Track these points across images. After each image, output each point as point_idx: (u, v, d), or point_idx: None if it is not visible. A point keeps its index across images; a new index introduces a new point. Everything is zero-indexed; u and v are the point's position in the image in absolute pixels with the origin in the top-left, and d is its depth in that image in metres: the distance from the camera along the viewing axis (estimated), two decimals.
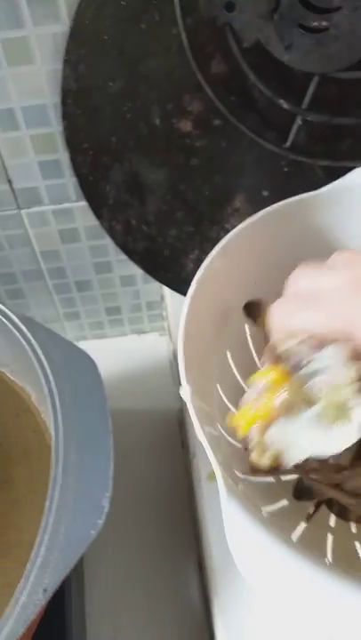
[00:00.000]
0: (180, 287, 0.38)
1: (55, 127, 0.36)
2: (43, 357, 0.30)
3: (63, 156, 0.37)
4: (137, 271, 0.47)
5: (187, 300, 0.26)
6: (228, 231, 0.29)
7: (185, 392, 0.24)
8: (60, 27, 0.31)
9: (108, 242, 0.44)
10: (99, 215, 0.36)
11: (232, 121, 0.30)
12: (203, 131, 0.31)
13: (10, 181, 0.38)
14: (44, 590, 0.23)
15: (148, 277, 0.46)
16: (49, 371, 0.30)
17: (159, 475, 0.44)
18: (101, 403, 0.29)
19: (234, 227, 0.28)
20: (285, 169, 0.32)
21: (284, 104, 0.29)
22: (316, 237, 0.30)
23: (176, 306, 0.41)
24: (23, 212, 0.41)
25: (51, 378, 0.29)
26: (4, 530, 0.33)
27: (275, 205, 0.28)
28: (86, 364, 0.31)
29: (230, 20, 0.27)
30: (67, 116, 0.32)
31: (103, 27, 0.29)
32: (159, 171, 0.33)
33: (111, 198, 0.35)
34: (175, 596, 0.38)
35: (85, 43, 0.30)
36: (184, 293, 0.38)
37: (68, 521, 0.24)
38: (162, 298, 0.50)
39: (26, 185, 0.39)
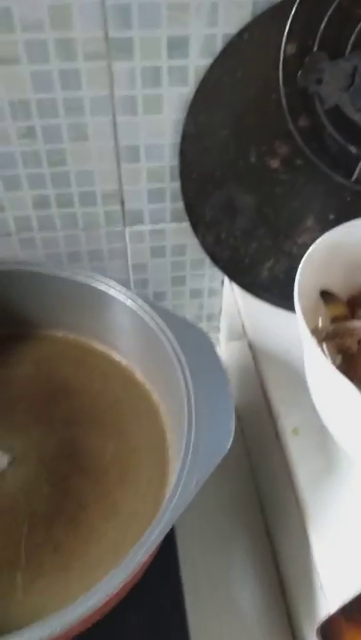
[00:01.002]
0: (255, 291, 0.48)
1: (167, 162, 0.46)
2: (170, 334, 0.39)
3: (167, 186, 0.48)
4: (205, 285, 0.57)
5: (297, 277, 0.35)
6: (299, 246, 0.39)
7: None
8: (188, 88, 0.42)
9: (187, 258, 0.54)
10: (195, 229, 0.46)
11: (312, 160, 0.40)
12: (287, 167, 0.42)
13: (122, 202, 0.48)
14: (196, 482, 0.31)
15: (213, 291, 0.56)
16: (177, 345, 0.39)
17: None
18: (218, 364, 0.37)
19: (304, 242, 0.38)
20: (348, 198, 0.42)
21: (353, 149, 0.39)
22: None
23: (248, 309, 0.51)
24: (127, 229, 0.51)
25: (179, 351, 0.38)
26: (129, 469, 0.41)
27: (346, 224, 0.39)
28: (201, 337, 0.40)
29: (318, 90, 0.38)
30: (183, 153, 0.43)
31: (221, 90, 0.40)
32: (249, 196, 0.44)
33: (208, 216, 0.45)
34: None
35: (206, 100, 0.41)
36: (258, 296, 0.48)
37: (206, 437, 0.33)
38: (220, 310, 0.59)
39: (134, 207, 0.49)
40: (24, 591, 0.34)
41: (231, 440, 0.33)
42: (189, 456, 0.32)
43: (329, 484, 0.38)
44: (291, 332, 0.47)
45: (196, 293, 0.57)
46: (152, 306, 0.41)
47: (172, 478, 0.32)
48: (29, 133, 0.42)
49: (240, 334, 0.51)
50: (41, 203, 0.47)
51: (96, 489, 0.39)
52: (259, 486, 0.51)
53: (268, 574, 0.47)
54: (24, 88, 0.40)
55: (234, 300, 0.52)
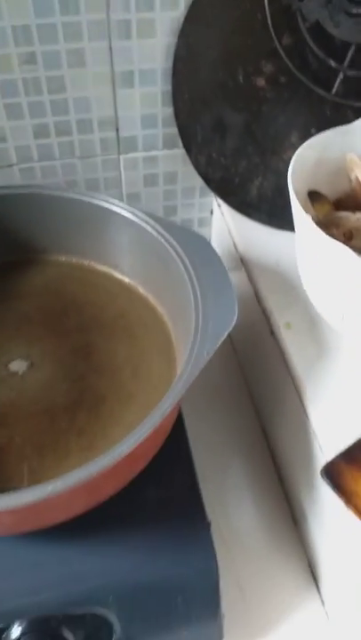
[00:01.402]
0: (245, 210, 0.52)
1: (159, 87, 0.49)
2: (171, 239, 0.43)
3: (160, 111, 0.51)
4: (194, 215, 0.61)
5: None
6: (285, 162, 0.43)
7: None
8: (179, 12, 0.45)
9: (178, 187, 0.58)
10: (188, 150, 0.49)
11: (296, 77, 0.44)
12: (273, 85, 0.45)
13: (117, 129, 0.51)
14: (206, 353, 0.35)
15: (202, 221, 0.60)
16: (178, 247, 0.42)
17: None
18: (217, 259, 0.41)
19: (290, 158, 0.42)
20: (328, 112, 0.46)
21: (332, 63, 0.43)
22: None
23: (239, 229, 0.54)
24: (122, 156, 0.54)
25: (181, 252, 0.42)
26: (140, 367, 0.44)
27: (328, 131, 0.42)
28: (200, 240, 0.43)
29: (300, 7, 0.41)
30: (175, 75, 0.46)
31: (210, 13, 0.43)
32: (238, 115, 0.47)
33: (199, 136, 0.48)
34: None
35: (195, 22, 0.44)
36: (248, 215, 0.52)
37: (212, 312, 0.37)
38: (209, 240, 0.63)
39: (128, 134, 0.52)
40: (55, 471, 0.38)
41: (235, 317, 0.37)
42: (199, 332, 0.36)
43: (322, 365, 0.42)
44: (280, 247, 0.51)
45: (186, 224, 0.61)
46: (151, 216, 0.44)
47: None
48: (31, 59, 0.45)
49: (231, 261, 0.55)
50: (41, 132, 0.50)
51: (111, 384, 0.43)
52: (254, 391, 0.56)
53: (265, 463, 0.52)
54: (26, 13, 0.42)
55: (224, 225, 0.56)
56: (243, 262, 0.51)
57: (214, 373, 0.60)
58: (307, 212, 0.40)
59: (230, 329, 0.37)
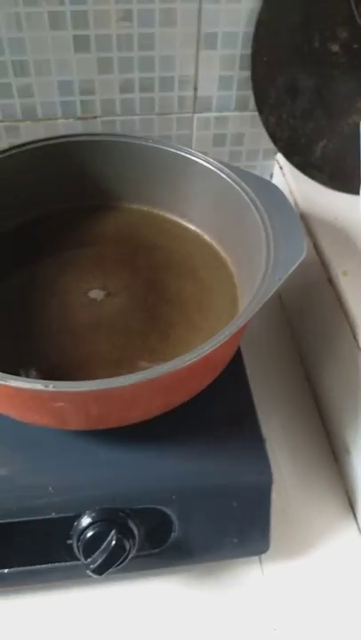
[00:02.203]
0: (308, 170, 0.56)
1: (239, 50, 0.53)
2: (246, 187, 0.47)
3: (236, 74, 0.55)
4: None
5: None
6: (350, 126, 0.46)
7: None
8: None
9: (243, 149, 0.61)
10: (260, 110, 0.53)
11: None
12: (345, 51, 0.49)
13: (195, 89, 0.55)
14: (279, 278, 0.39)
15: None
16: (253, 195, 0.46)
17: None
18: (289, 206, 0.45)
19: (355, 122, 0.45)
20: None
21: None
22: None
23: (300, 188, 0.58)
24: (196, 115, 0.58)
25: (257, 202, 0.46)
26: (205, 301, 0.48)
27: None
28: (272, 187, 0.47)
29: None
30: (256, 38, 0.50)
31: None
32: (310, 79, 0.51)
33: (272, 98, 0.52)
34: None
35: None
36: (310, 176, 0.56)
37: (283, 247, 0.41)
38: None
39: (205, 93, 0.56)
40: None
41: (305, 251, 0.40)
42: (271, 261, 0.40)
43: None
44: (339, 206, 0.55)
45: None
46: (225, 164, 0.48)
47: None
48: (127, 16, 0.49)
49: None
50: (126, 87, 0.54)
51: (180, 314, 0.47)
52: (301, 340, 0.60)
53: (307, 407, 0.56)
54: None
55: (285, 186, 0.60)
56: (302, 217, 0.54)
57: (262, 325, 0.64)
58: None
59: (302, 259, 0.41)
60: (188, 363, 0.34)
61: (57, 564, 0.41)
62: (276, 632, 0.44)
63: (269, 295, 0.39)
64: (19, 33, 0.49)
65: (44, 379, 0.34)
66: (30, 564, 0.41)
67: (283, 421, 0.56)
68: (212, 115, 0.57)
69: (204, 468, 0.42)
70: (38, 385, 0.32)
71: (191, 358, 0.33)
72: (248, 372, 0.52)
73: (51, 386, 0.32)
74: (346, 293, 0.47)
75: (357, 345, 0.44)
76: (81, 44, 0.51)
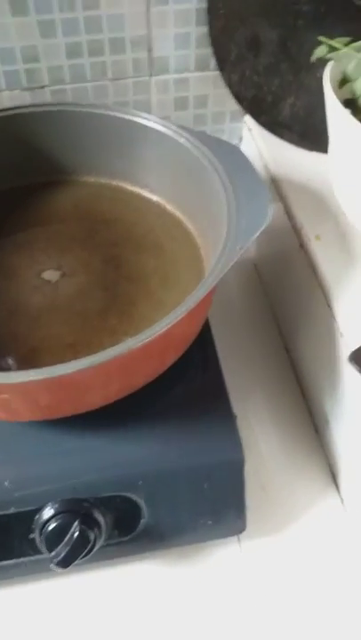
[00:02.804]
0: (277, 129, 0.53)
1: (194, 4, 0.49)
2: (206, 150, 0.44)
3: (193, 30, 0.51)
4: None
5: None
6: (318, 79, 0.43)
7: None
8: None
9: (208, 111, 0.58)
10: (221, 68, 0.50)
11: None
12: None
13: (150, 50, 0.52)
14: (240, 247, 0.36)
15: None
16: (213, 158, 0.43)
17: None
18: (252, 168, 0.42)
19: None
20: None
21: None
22: None
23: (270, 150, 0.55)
24: (153, 78, 0.54)
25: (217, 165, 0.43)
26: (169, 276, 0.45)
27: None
28: (232, 149, 0.44)
29: None
30: None
31: None
32: (273, 31, 0.47)
33: (233, 54, 0.49)
34: None
35: None
36: (280, 135, 0.52)
37: (246, 213, 0.38)
38: None
39: (161, 54, 0.53)
40: None
41: (269, 216, 0.38)
42: (233, 230, 0.37)
43: (349, 272, 0.44)
44: (311, 167, 0.52)
45: None
46: (182, 127, 0.45)
47: None
48: None
49: None
50: (74, 51, 0.50)
51: (142, 291, 0.44)
52: (278, 308, 0.58)
53: (287, 379, 0.54)
54: None
55: (254, 150, 0.57)
56: (273, 181, 0.51)
57: (238, 297, 0.61)
58: None
59: (264, 227, 0.38)
60: (134, 347, 0.31)
61: (20, 560, 0.39)
62: (256, 609, 0.42)
63: (230, 266, 0.36)
64: None
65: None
66: None
67: (262, 394, 0.53)
68: (171, 76, 0.54)
69: (171, 451, 0.39)
70: None
71: (136, 343, 0.31)
72: (224, 344, 0.50)
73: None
74: (319, 259, 0.45)
75: (331, 313, 0.42)
76: (18, 6, 0.47)
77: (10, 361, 0.39)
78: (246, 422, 0.52)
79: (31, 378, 0.29)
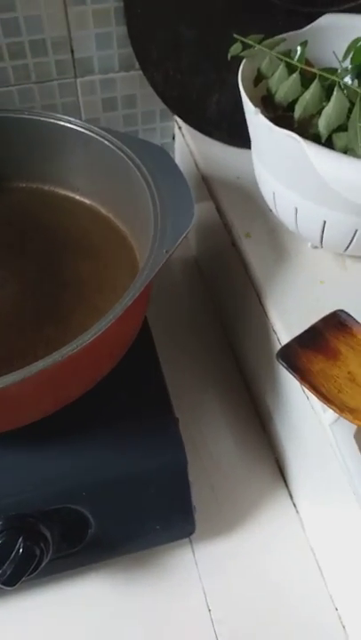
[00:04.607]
0: (205, 129, 0.53)
1: (111, 3, 0.48)
2: (130, 152, 0.43)
3: (114, 30, 0.50)
4: (157, 141, 0.61)
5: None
6: None
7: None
8: None
9: (138, 111, 0.57)
10: (144, 68, 0.49)
11: None
12: None
13: (72, 51, 0.51)
14: (166, 251, 0.36)
15: (165, 147, 0.60)
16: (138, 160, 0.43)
17: None
18: (177, 169, 0.42)
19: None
20: (280, 22, 0.46)
21: None
22: None
23: (200, 149, 0.55)
24: (78, 80, 0.54)
25: (142, 167, 0.42)
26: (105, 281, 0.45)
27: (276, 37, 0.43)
28: (156, 149, 0.44)
29: None
30: None
31: None
32: (191, 29, 0.47)
33: (155, 53, 0.48)
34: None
35: None
36: (209, 134, 0.52)
37: (171, 215, 0.38)
38: None
39: (84, 55, 0.52)
40: None
41: (194, 217, 0.38)
42: (158, 233, 0.37)
43: (279, 269, 0.44)
44: (240, 164, 0.52)
45: None
46: (106, 130, 0.45)
47: None
48: None
49: (192, 182, 0.55)
50: None
51: (78, 297, 0.44)
52: (220, 306, 0.58)
53: (233, 378, 0.54)
54: None
55: (185, 148, 0.56)
56: (204, 179, 0.51)
57: (182, 295, 0.61)
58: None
59: (189, 228, 0.38)
60: (59, 360, 0.31)
61: None
62: (211, 612, 0.42)
63: (156, 270, 0.36)
64: None
65: None
66: None
67: (209, 393, 0.54)
68: (96, 77, 0.53)
69: (113, 459, 0.39)
70: None
71: (61, 355, 0.30)
72: (168, 343, 0.50)
73: None
74: (249, 256, 0.45)
75: (264, 310, 0.42)
76: None
77: None
78: (194, 423, 0.52)
79: None
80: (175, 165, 0.42)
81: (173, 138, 0.60)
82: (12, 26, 0.47)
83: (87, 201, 0.50)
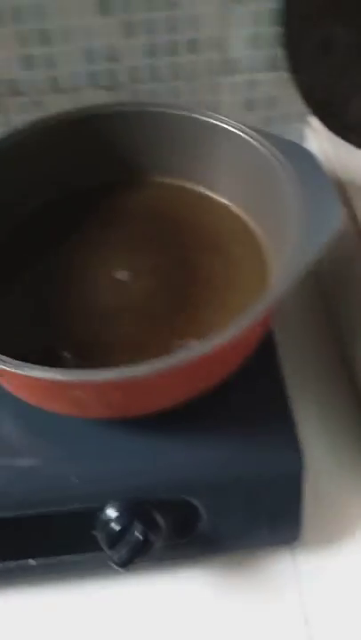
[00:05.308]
0: (343, 132, 0.52)
1: (270, 4, 0.48)
2: (276, 151, 0.43)
3: (267, 30, 0.50)
4: None
5: None
6: None
7: None
8: None
9: (276, 113, 0.57)
10: (294, 70, 0.49)
11: None
12: None
13: (222, 51, 0.51)
14: (311, 254, 0.36)
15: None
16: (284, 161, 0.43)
17: None
18: (321, 171, 0.41)
19: None
20: None
21: None
22: None
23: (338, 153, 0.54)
24: (224, 79, 0.54)
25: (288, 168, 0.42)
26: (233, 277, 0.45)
27: None
28: (303, 151, 0.44)
29: None
30: None
31: None
32: (348, 33, 0.46)
33: (306, 55, 0.48)
34: None
35: None
36: (347, 139, 0.52)
37: (314, 220, 0.38)
38: None
39: (233, 55, 0.52)
40: None
41: (340, 222, 0.37)
42: (303, 233, 0.37)
43: None
44: None
45: None
46: (254, 128, 0.45)
47: None
48: None
49: None
50: (151, 51, 0.50)
51: (208, 293, 0.44)
52: (340, 318, 0.56)
53: (344, 391, 0.53)
54: None
55: (320, 153, 0.56)
56: (339, 185, 0.50)
57: (295, 303, 0.61)
58: None
59: (335, 230, 0.37)
60: (205, 352, 0.31)
61: (81, 555, 0.40)
62: (308, 625, 0.42)
63: (300, 273, 0.36)
64: None
65: (73, 362, 0.32)
66: (54, 555, 0.40)
67: (316, 404, 0.53)
68: (242, 77, 0.54)
69: (232, 457, 0.39)
70: (52, 373, 0.31)
71: (207, 348, 0.31)
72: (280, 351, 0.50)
73: (65, 375, 0.30)
74: None
75: None
76: (104, 5, 0.47)
77: (85, 358, 0.40)
78: (302, 428, 0.51)
79: (107, 377, 0.30)
80: (321, 168, 0.42)
81: (306, 142, 0.60)
82: (172, 24, 0.49)
83: (221, 199, 0.51)
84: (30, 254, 0.47)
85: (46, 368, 0.31)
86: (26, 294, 0.45)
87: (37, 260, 0.47)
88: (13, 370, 0.30)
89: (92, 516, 0.38)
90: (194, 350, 0.32)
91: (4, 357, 0.31)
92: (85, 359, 0.40)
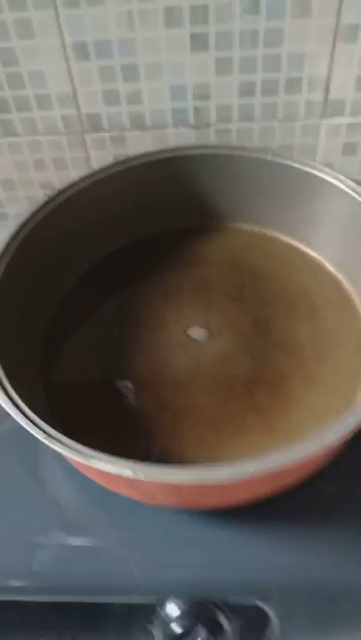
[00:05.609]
0: None
1: None
2: None
3: None
4: None
5: None
6: None
7: None
8: None
9: None
10: None
11: None
12: None
13: (327, 91, 0.47)
14: None
15: None
16: None
17: None
18: None
19: None
20: None
21: None
22: None
23: None
24: (324, 121, 0.49)
25: None
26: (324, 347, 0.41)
27: None
28: None
29: None
30: None
31: None
32: None
33: None
34: None
35: None
36: None
37: None
38: None
39: (338, 96, 0.47)
40: (230, 447, 0.36)
41: None
42: None
43: None
44: None
45: None
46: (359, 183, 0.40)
47: None
48: (253, 8, 0.41)
49: None
50: (247, 90, 0.46)
51: (293, 362, 0.40)
52: None
53: None
54: None
55: None
56: None
57: None
58: None
59: None
60: (292, 461, 0.27)
61: None
62: None
63: None
64: (130, 33, 0.44)
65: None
66: None
67: None
68: (344, 120, 0.49)
69: (312, 562, 0.34)
70: (125, 470, 0.27)
71: (295, 456, 0.26)
72: None
73: (139, 473, 0.27)
74: None
75: None
76: (198, 42, 0.44)
77: (153, 446, 0.36)
78: None
79: (184, 479, 0.25)
80: None
81: None
82: (273, 62, 0.45)
83: (313, 253, 0.46)
84: (102, 297, 0.44)
85: (117, 460, 0.28)
86: (97, 334, 0.42)
87: (108, 305, 0.44)
88: (86, 462, 0.26)
89: (150, 610, 0.34)
90: (281, 456, 0.27)
91: (78, 446, 0.27)
92: (152, 424, 0.37)
